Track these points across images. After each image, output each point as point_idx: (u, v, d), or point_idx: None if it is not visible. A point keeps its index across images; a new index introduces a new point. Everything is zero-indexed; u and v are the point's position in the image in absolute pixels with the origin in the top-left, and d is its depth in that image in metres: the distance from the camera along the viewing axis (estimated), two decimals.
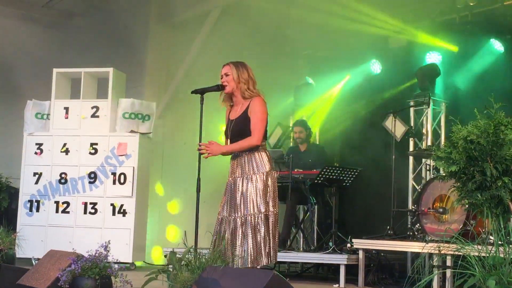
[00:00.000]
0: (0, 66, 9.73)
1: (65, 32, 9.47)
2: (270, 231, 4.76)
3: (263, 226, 4.74)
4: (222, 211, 4.93)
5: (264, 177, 4.81)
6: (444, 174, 3.83)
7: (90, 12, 9.48)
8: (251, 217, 4.75)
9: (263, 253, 4.70)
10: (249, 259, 4.67)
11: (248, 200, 4.78)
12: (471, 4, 8.04)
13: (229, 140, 5.01)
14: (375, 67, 9.13)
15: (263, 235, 4.73)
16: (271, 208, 4.80)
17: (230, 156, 5.04)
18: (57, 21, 9.81)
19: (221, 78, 4.99)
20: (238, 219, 4.79)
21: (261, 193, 4.78)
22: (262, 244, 4.71)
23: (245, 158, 4.88)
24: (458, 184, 3.68)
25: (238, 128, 4.90)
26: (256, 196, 4.78)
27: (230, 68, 4.97)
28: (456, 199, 3.76)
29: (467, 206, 3.83)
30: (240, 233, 4.75)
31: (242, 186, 4.83)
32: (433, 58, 8.29)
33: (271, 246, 4.75)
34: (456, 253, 3.57)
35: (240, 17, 9.12)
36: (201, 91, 5.00)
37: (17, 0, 9.20)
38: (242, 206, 4.79)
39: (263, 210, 4.76)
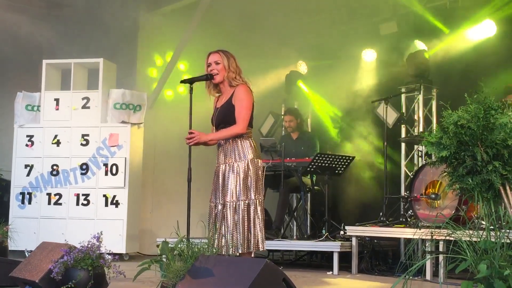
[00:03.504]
0: None
1: (54, 23, 9.40)
2: (251, 219, 4.76)
3: (241, 213, 4.74)
4: (211, 198, 4.95)
5: (246, 165, 4.81)
6: (435, 160, 3.83)
7: (79, 2, 9.41)
8: (230, 205, 4.76)
9: (242, 240, 4.71)
10: (228, 247, 4.68)
11: (229, 187, 4.80)
12: None
13: (214, 127, 5.02)
14: (368, 54, 9.12)
15: (241, 222, 4.73)
16: (252, 196, 4.79)
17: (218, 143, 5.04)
18: (46, 11, 9.73)
19: (209, 66, 4.96)
20: (219, 206, 4.81)
21: (241, 181, 4.78)
22: (241, 231, 4.72)
23: (228, 146, 4.89)
24: (449, 169, 3.68)
25: (222, 116, 4.91)
26: (236, 184, 4.78)
27: (220, 56, 4.94)
28: (447, 184, 3.77)
29: (458, 191, 3.82)
30: (221, 220, 4.77)
31: (224, 173, 4.85)
32: (422, 44, 8.27)
33: (253, 233, 4.75)
34: (448, 238, 3.58)
35: (231, 6, 9.08)
36: (190, 81, 4.98)
37: None
38: (223, 193, 4.81)
39: (242, 198, 4.76)
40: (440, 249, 5.76)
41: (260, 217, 4.81)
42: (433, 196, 6.47)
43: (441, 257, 5.76)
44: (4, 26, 9.11)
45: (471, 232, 3.43)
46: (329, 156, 7.70)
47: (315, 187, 8.15)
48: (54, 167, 8.25)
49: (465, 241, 3.31)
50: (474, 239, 3.35)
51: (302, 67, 9.80)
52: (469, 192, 3.60)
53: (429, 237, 5.00)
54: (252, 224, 4.77)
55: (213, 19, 9.28)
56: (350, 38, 9.21)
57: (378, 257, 7.21)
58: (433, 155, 3.79)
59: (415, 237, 5.10)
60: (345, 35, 9.28)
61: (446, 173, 3.72)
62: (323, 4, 8.64)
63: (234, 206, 4.76)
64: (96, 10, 9.29)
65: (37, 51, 9.16)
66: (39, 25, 9.37)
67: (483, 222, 3.66)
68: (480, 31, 7.88)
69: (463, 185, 3.58)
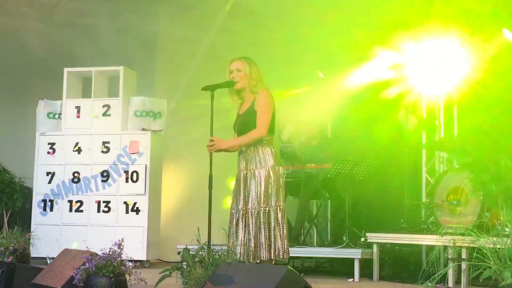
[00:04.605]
0: (11, 67, 9.75)
1: (75, 31, 9.48)
2: (272, 226, 4.76)
3: (263, 221, 4.75)
4: (233, 205, 4.96)
5: (267, 172, 4.81)
6: (457, 166, 3.80)
7: (99, 10, 9.49)
8: (252, 212, 4.76)
9: (264, 247, 4.71)
10: (250, 253, 4.68)
11: (250, 195, 4.81)
12: None
13: (236, 134, 5.04)
14: (387, 59, 9.06)
15: (262, 230, 4.74)
16: (272, 203, 4.79)
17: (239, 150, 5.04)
18: (66, 20, 9.83)
19: (231, 73, 4.98)
20: (240, 213, 4.81)
21: (263, 188, 4.78)
22: (262, 239, 4.72)
23: (249, 153, 4.91)
24: (472, 175, 3.65)
25: (244, 122, 4.94)
26: (257, 191, 4.79)
27: (242, 63, 4.97)
28: (471, 191, 3.73)
29: (481, 197, 3.79)
30: (242, 227, 4.77)
31: (246, 180, 4.85)
32: (442, 49, 8.21)
33: (273, 241, 4.75)
34: (471, 245, 3.55)
35: (251, 12, 9.09)
36: (211, 88, 4.99)
37: (27, 0, 9.23)
38: (244, 200, 4.82)
39: (263, 205, 4.77)
40: (463, 256, 5.70)
41: (281, 224, 4.80)
42: (455, 202, 6.40)
43: (463, 264, 5.70)
44: (26, 35, 9.21)
45: (495, 239, 3.40)
46: (350, 162, 7.66)
47: (335, 194, 8.12)
48: (75, 175, 8.30)
49: (489, 248, 3.28)
50: (498, 246, 3.31)
51: (322, 73, 9.77)
52: (492, 199, 3.57)
53: (452, 244, 4.96)
54: (272, 231, 4.77)
55: (233, 26, 9.30)
56: (369, 43, 9.17)
57: (400, 264, 7.15)
58: (455, 161, 3.76)
59: (438, 244, 5.05)
60: (363, 40, 9.23)
61: (469, 179, 3.69)
62: (341, 10, 8.60)
63: (255, 213, 4.76)
64: (116, 18, 9.36)
65: (59, 59, 9.23)
66: (59, 33, 9.46)
67: (507, 229, 3.63)
68: (499, 38, 7.81)
69: (487, 191, 3.55)
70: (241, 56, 5.04)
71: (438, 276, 3.43)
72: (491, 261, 3.24)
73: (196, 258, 4.40)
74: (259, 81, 4.97)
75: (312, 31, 9.34)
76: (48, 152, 8.44)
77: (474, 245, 3.45)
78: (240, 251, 4.72)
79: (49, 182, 8.36)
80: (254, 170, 4.85)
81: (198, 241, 4.49)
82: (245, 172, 4.90)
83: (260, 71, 5.00)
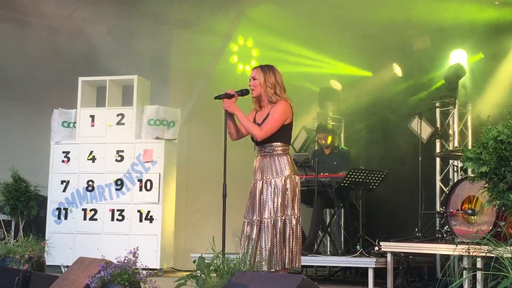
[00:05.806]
0: (26, 76, 9.82)
1: (89, 41, 9.55)
2: (287, 236, 4.75)
3: (279, 230, 4.74)
4: (246, 214, 4.95)
5: (283, 181, 4.80)
6: (473, 175, 3.79)
7: (113, 21, 9.56)
8: (267, 221, 4.75)
9: (278, 257, 4.70)
10: (264, 263, 4.67)
11: (266, 204, 4.79)
12: (496, 3, 7.95)
13: (254, 144, 5.00)
14: (398, 69, 9.08)
15: (278, 239, 4.73)
16: (288, 213, 4.78)
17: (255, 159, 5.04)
18: (80, 30, 9.90)
19: (249, 82, 5.00)
20: (255, 223, 4.80)
21: (279, 198, 4.77)
22: (277, 248, 4.71)
23: (266, 162, 4.89)
24: (489, 185, 3.63)
25: None
26: (273, 200, 4.77)
27: (257, 72, 4.98)
28: (487, 200, 3.71)
29: (497, 207, 3.78)
30: (257, 236, 4.76)
31: (261, 189, 4.84)
32: (458, 58, 8.20)
33: (288, 250, 4.74)
34: (489, 254, 3.53)
35: (262, 23, 9.13)
36: (224, 97, 5.01)
37: (41, 11, 9.30)
38: (260, 210, 4.80)
39: (279, 214, 4.75)
40: (478, 266, 5.67)
41: (296, 234, 4.79)
42: (470, 211, 6.38)
43: (478, 274, 5.66)
44: (41, 44, 9.27)
45: None
46: (363, 171, 7.65)
47: (349, 203, 8.10)
48: (90, 183, 8.33)
49: (506, 257, 3.26)
50: None
51: (336, 84, 9.78)
52: (510, 208, 3.56)
53: (467, 254, 4.93)
54: (287, 240, 4.76)
55: (246, 33, 9.34)
56: (383, 52, 9.18)
57: (414, 274, 7.12)
58: (469, 170, 3.75)
59: (455, 253, 5.03)
60: (378, 49, 9.25)
61: (485, 188, 3.68)
62: (356, 18, 8.62)
63: (272, 222, 4.75)
64: (130, 27, 9.42)
65: (73, 68, 9.29)
66: (74, 43, 9.52)
67: None
68: None
69: (504, 201, 3.53)
70: (261, 64, 5.04)
71: (454, 286, 3.40)
72: (509, 270, 3.22)
73: (211, 266, 4.40)
74: (278, 90, 4.92)
75: (324, 40, 9.37)
76: (63, 161, 8.49)
77: (492, 255, 3.43)
78: (255, 260, 4.71)
79: (64, 191, 8.40)
80: (271, 179, 4.83)
81: (213, 250, 4.49)
82: (260, 182, 4.88)
83: (280, 79, 4.96)
